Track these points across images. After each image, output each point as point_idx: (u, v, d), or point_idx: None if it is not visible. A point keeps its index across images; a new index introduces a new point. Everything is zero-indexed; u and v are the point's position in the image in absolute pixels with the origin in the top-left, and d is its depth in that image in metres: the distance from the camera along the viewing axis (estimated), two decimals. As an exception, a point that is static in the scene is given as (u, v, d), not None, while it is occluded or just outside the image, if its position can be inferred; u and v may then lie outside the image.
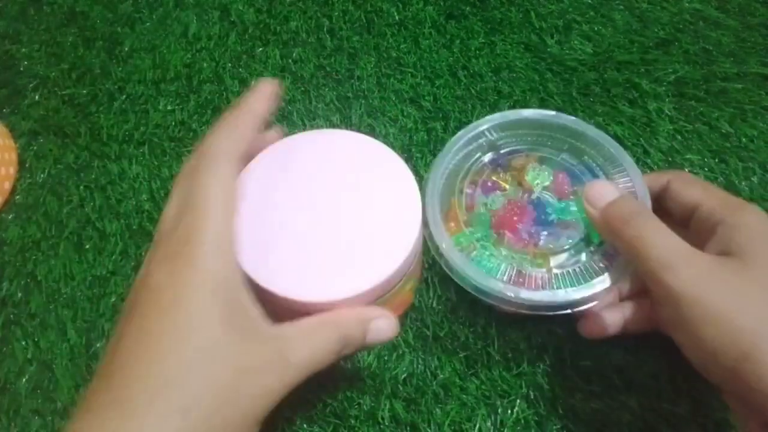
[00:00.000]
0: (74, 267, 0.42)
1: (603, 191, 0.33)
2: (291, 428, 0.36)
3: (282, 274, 0.30)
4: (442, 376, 0.37)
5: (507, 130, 0.39)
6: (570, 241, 0.35)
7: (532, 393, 0.36)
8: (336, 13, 0.54)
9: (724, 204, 0.32)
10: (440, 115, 0.48)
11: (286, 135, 0.35)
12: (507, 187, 0.38)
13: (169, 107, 0.50)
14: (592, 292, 0.33)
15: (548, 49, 0.51)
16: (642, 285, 0.36)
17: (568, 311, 0.33)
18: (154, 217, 0.44)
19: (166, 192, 0.40)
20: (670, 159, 0.45)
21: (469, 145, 0.38)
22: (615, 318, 0.35)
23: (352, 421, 0.36)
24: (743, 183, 0.43)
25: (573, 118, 0.39)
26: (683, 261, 0.29)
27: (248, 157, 0.33)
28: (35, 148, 0.48)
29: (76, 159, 0.47)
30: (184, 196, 0.29)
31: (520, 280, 0.34)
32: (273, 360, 0.26)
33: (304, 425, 0.36)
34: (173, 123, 0.49)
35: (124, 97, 0.51)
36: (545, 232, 0.36)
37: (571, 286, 0.33)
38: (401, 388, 0.37)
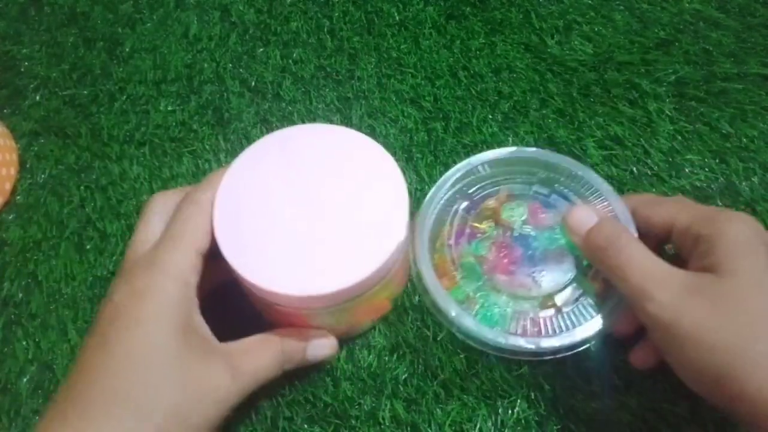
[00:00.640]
0: (75, 267, 0.42)
1: (582, 217, 0.34)
2: (292, 428, 0.36)
3: (260, 267, 0.31)
4: (442, 376, 0.37)
5: (473, 175, 0.38)
6: (569, 275, 0.36)
7: (532, 393, 0.36)
8: (336, 14, 0.55)
9: (698, 217, 0.31)
10: (441, 115, 0.48)
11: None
12: (486, 229, 0.38)
13: (169, 108, 0.50)
14: (608, 322, 0.33)
15: (548, 50, 0.51)
16: None
17: (587, 346, 0.34)
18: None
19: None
20: (670, 159, 0.45)
21: (443, 200, 0.38)
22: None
23: (353, 422, 0.36)
24: (744, 183, 0.43)
25: (534, 149, 0.39)
26: (659, 285, 0.29)
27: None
28: (36, 148, 0.48)
29: (77, 159, 0.48)
30: (157, 223, 0.32)
31: (535, 329, 0.34)
32: (222, 374, 0.29)
33: (305, 425, 0.36)
34: (174, 123, 0.49)
35: (125, 97, 0.51)
36: (543, 272, 0.36)
37: (585, 321, 0.34)
38: (402, 389, 0.37)
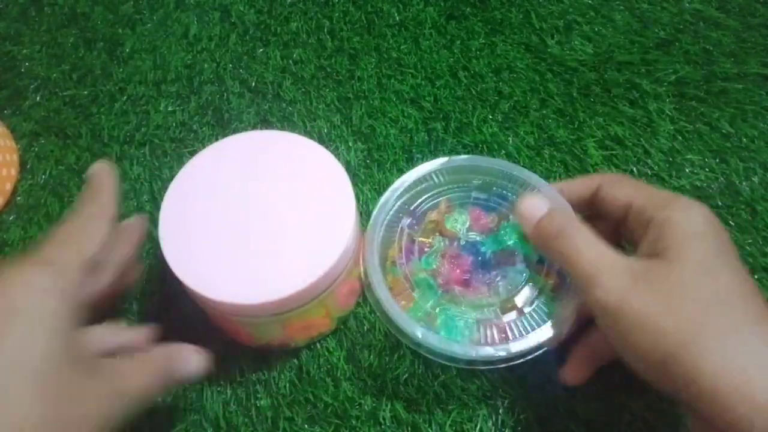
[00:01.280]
0: (75, 268, 0.42)
1: (533, 205, 0.34)
2: (292, 428, 0.36)
3: (194, 268, 0.33)
4: (443, 376, 0.37)
5: (411, 191, 0.38)
6: (524, 275, 0.36)
7: (532, 393, 0.36)
8: (336, 14, 0.55)
9: (652, 200, 0.31)
10: (441, 115, 0.48)
11: (145, 225, 0.36)
12: (433, 242, 0.38)
13: (170, 108, 0.50)
14: (568, 311, 0.33)
15: (549, 50, 0.51)
16: None
17: (559, 339, 0.33)
18: (155, 218, 0.44)
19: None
20: (670, 159, 0.45)
21: (386, 221, 0.37)
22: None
23: (354, 422, 0.36)
24: (744, 183, 0.43)
25: (465, 156, 0.39)
26: (606, 272, 0.29)
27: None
28: (36, 149, 0.48)
29: (78, 160, 0.48)
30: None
31: (502, 335, 0.34)
32: (105, 393, 0.27)
33: (306, 425, 0.36)
34: (174, 124, 0.49)
35: (125, 98, 0.51)
36: (498, 276, 0.36)
37: (548, 317, 0.33)
38: (402, 389, 0.37)
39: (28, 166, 0.48)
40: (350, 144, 0.47)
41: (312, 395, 0.37)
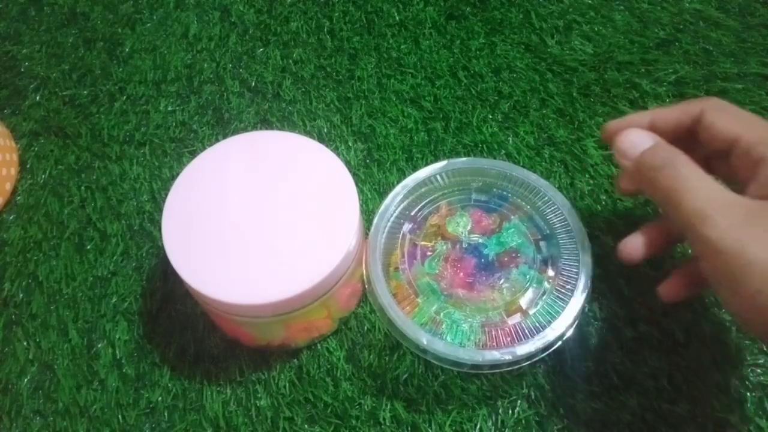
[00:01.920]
0: (75, 268, 0.42)
1: (636, 140, 0.31)
2: (292, 428, 0.36)
3: (196, 267, 0.33)
4: (443, 376, 0.37)
5: (411, 196, 0.38)
6: (528, 276, 0.36)
7: (532, 393, 0.36)
8: (336, 14, 0.55)
9: (764, 137, 0.28)
10: (441, 115, 0.48)
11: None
12: (436, 246, 0.37)
13: (169, 108, 0.50)
14: (573, 313, 0.33)
15: (548, 50, 0.51)
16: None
17: (563, 340, 0.33)
18: (155, 218, 0.44)
19: (166, 192, 0.40)
20: (670, 159, 0.45)
21: (388, 227, 0.37)
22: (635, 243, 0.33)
23: (354, 422, 0.36)
24: (743, 183, 0.43)
25: (464, 159, 0.39)
26: (721, 210, 0.26)
27: None
28: (36, 149, 0.48)
29: (77, 160, 0.48)
30: None
31: (507, 338, 0.34)
32: None
33: (306, 425, 0.36)
34: (174, 124, 0.49)
35: (125, 97, 0.51)
36: (501, 278, 0.36)
37: (552, 319, 0.33)
38: (402, 389, 0.37)
39: (28, 166, 0.48)
40: (350, 144, 0.47)
41: (312, 395, 0.37)
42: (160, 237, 0.34)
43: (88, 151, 0.48)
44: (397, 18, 0.54)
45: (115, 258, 0.43)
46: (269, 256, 0.33)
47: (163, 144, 0.48)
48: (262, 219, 0.34)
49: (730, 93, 0.47)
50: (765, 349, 0.37)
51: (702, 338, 0.37)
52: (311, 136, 0.38)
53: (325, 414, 0.36)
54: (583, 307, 0.33)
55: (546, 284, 0.35)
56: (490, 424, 0.36)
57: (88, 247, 0.43)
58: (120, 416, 0.37)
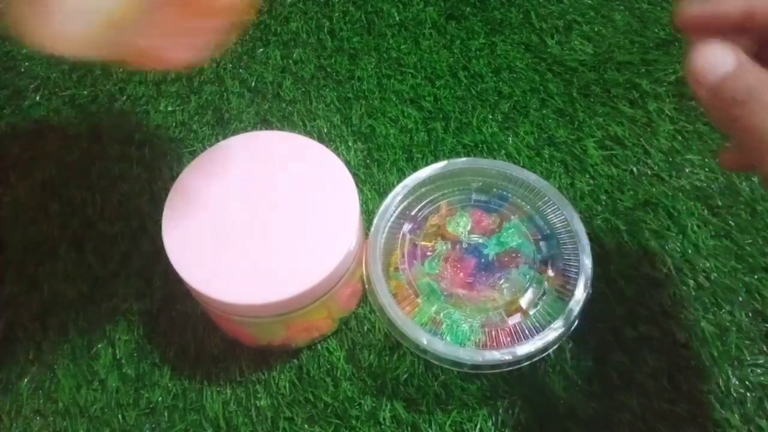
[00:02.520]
0: (75, 268, 0.42)
1: (714, 60, 0.25)
2: (292, 428, 0.36)
3: (196, 267, 0.33)
4: (443, 376, 0.37)
5: (411, 196, 0.38)
6: (528, 276, 0.36)
7: (532, 393, 0.36)
8: (336, 14, 0.55)
9: None
10: (441, 115, 0.48)
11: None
12: (436, 246, 0.37)
13: (169, 108, 0.50)
14: (573, 313, 0.33)
15: (548, 50, 0.51)
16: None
17: (563, 340, 0.33)
18: (155, 218, 0.44)
19: (166, 193, 0.40)
20: (670, 159, 0.45)
21: (387, 227, 0.37)
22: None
23: (353, 422, 0.36)
24: (744, 183, 0.43)
25: (464, 159, 0.39)
26: None
27: None
28: (36, 149, 0.48)
29: (77, 160, 0.48)
30: None
31: (507, 338, 0.34)
32: None
33: (305, 425, 0.36)
34: (174, 124, 0.49)
35: (125, 97, 0.51)
36: (502, 278, 0.36)
37: (552, 320, 0.33)
38: (402, 389, 0.37)
39: (28, 166, 0.47)
40: (350, 144, 0.47)
41: (312, 395, 0.37)
42: (160, 237, 0.34)
43: (88, 151, 0.48)
44: (397, 18, 0.54)
45: (115, 258, 0.43)
46: (269, 256, 0.33)
47: (163, 144, 0.48)
48: (262, 219, 0.34)
49: (730, 93, 0.47)
50: (765, 349, 0.37)
51: (702, 338, 0.37)
52: (311, 137, 0.38)
53: (325, 414, 0.36)
54: (583, 307, 0.33)
55: (546, 284, 0.35)
56: (490, 424, 0.36)
57: (88, 247, 0.43)
58: (120, 416, 0.37)
